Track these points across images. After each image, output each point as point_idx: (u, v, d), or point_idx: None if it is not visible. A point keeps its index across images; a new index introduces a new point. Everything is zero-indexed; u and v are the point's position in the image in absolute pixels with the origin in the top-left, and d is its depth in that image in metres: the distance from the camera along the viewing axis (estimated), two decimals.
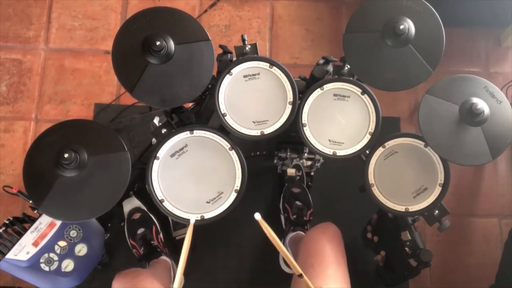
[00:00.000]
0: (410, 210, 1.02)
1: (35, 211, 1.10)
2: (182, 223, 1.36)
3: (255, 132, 1.00)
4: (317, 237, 1.07)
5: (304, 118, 1.02)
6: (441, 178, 1.02)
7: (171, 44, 0.94)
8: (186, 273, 1.38)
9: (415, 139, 1.04)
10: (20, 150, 1.59)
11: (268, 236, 0.81)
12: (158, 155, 0.99)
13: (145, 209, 1.39)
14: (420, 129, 0.97)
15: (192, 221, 0.87)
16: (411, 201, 1.02)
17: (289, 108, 1.00)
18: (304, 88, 1.07)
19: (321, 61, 1.08)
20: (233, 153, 1.00)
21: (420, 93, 1.01)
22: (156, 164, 0.99)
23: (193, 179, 0.99)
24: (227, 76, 1.01)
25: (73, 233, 1.10)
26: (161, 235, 1.39)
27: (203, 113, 1.14)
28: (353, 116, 1.02)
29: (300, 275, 0.86)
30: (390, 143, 1.04)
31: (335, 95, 1.02)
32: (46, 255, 1.07)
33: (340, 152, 1.02)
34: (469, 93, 0.97)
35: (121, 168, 0.96)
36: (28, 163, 0.95)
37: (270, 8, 1.77)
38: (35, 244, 1.07)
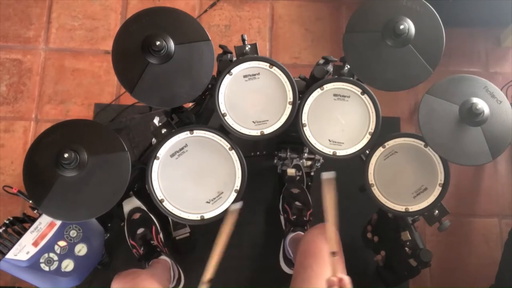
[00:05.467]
0: (410, 210, 1.02)
1: (35, 211, 1.09)
2: (182, 223, 1.36)
3: (255, 132, 1.00)
4: (315, 237, 1.07)
5: (304, 118, 1.02)
6: (441, 178, 1.02)
7: (171, 44, 0.94)
8: (185, 273, 1.39)
9: (415, 139, 1.04)
10: (20, 150, 1.59)
11: (327, 201, 0.81)
12: (158, 155, 0.99)
13: (145, 209, 1.39)
14: (420, 129, 0.97)
15: (235, 207, 0.85)
16: (411, 201, 1.02)
17: (289, 108, 1.00)
18: (304, 88, 1.07)
19: (321, 61, 1.08)
20: (233, 153, 1.00)
21: (420, 93, 1.01)
22: (156, 164, 0.99)
23: (193, 179, 0.99)
24: (227, 76, 1.01)
25: (73, 233, 1.10)
26: (161, 235, 1.39)
27: (203, 113, 1.14)
28: (353, 116, 1.02)
29: (334, 253, 0.85)
30: (390, 143, 1.04)
31: (335, 95, 1.02)
32: (46, 255, 1.07)
33: (340, 152, 1.02)
34: (469, 93, 0.97)
35: (121, 168, 0.96)
36: (28, 163, 0.95)
37: (270, 8, 1.77)
38: (35, 244, 1.07)
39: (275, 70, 1.01)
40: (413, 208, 1.02)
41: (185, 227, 1.42)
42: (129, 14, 1.73)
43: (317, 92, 1.02)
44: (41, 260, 1.07)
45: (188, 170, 0.99)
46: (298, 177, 1.45)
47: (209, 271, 0.87)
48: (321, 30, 1.75)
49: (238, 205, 0.87)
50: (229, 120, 1.00)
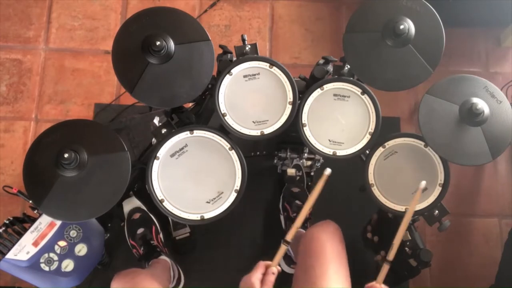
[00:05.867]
0: None
1: (35, 211, 1.09)
2: (182, 223, 1.36)
3: (255, 132, 1.00)
4: (317, 235, 1.06)
5: (304, 118, 1.02)
6: (441, 178, 1.02)
7: (171, 44, 0.94)
8: (185, 273, 1.39)
9: (415, 139, 1.04)
10: (20, 150, 1.59)
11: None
12: (158, 155, 0.99)
13: (145, 209, 1.39)
14: (420, 129, 0.97)
15: (328, 172, 0.91)
16: (411, 201, 1.02)
17: (289, 108, 1.00)
18: (304, 88, 1.07)
19: (321, 61, 1.08)
20: (233, 153, 1.00)
21: (420, 93, 1.01)
22: (156, 164, 0.99)
23: (193, 179, 0.99)
24: (227, 76, 1.01)
25: (73, 233, 1.10)
26: (161, 235, 1.39)
27: (203, 113, 1.14)
28: (353, 116, 1.02)
29: (387, 262, 0.93)
30: (390, 143, 1.04)
31: (335, 95, 1.02)
32: (46, 255, 1.07)
33: (340, 152, 1.02)
34: (469, 93, 0.97)
35: (121, 168, 0.96)
36: (28, 163, 0.95)
37: (270, 8, 1.77)
38: (35, 244, 1.07)
39: (275, 70, 1.01)
40: None
41: (185, 227, 1.42)
42: (129, 14, 1.73)
43: (317, 92, 1.02)
44: (41, 260, 1.07)
45: (188, 170, 0.99)
46: (298, 177, 1.45)
47: (292, 233, 0.93)
48: (321, 30, 1.75)
49: (329, 171, 0.91)
50: (229, 120, 1.00)
